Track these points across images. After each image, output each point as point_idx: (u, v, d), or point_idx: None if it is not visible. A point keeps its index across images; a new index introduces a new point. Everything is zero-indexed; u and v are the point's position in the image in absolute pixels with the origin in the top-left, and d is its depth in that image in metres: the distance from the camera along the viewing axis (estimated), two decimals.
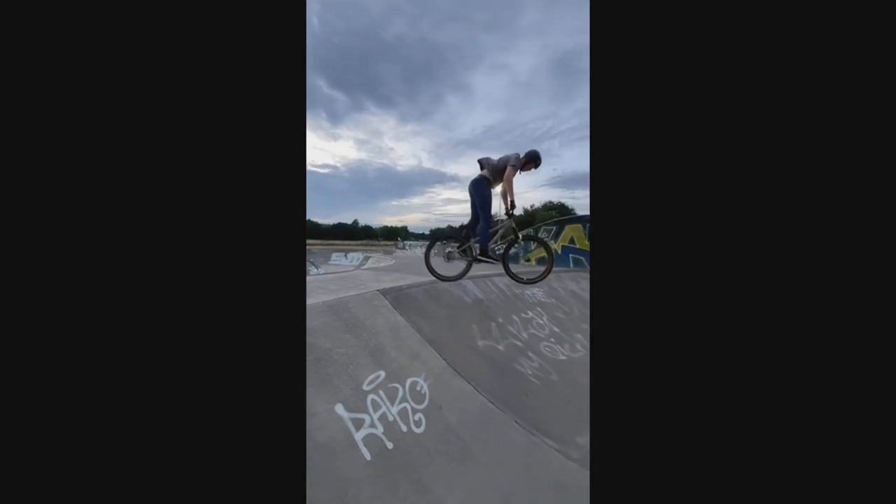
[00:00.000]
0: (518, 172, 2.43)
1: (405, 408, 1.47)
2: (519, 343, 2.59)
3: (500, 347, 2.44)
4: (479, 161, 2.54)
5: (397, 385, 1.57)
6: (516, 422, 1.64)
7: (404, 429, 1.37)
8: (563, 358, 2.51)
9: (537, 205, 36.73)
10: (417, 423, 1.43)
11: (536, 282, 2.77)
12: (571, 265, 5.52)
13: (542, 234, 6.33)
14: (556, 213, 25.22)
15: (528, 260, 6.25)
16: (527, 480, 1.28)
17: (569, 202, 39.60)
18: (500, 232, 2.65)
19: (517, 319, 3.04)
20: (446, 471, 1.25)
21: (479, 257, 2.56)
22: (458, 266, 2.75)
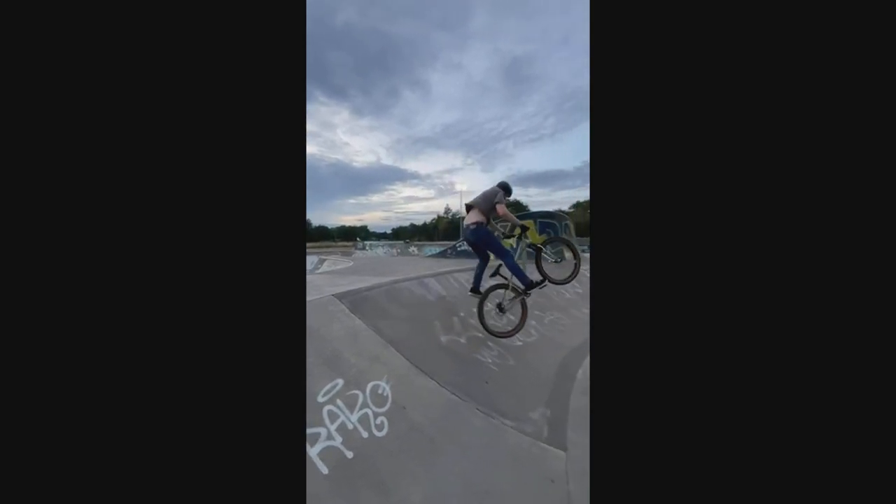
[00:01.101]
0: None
1: (366, 413, 1.43)
2: (479, 334, 2.72)
3: (463, 340, 2.53)
4: (468, 205, 2.52)
5: (357, 391, 1.51)
6: (478, 409, 1.73)
7: (365, 435, 1.33)
8: (520, 343, 2.72)
9: None
10: (380, 427, 1.40)
11: (570, 280, 2.55)
12: (526, 258, 5.96)
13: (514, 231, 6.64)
14: (512, 210, 26.89)
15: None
16: (486, 460, 1.37)
17: (523, 199, 42.68)
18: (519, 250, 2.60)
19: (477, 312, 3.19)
20: (411, 468, 1.26)
21: (529, 290, 2.46)
22: (514, 311, 2.56)
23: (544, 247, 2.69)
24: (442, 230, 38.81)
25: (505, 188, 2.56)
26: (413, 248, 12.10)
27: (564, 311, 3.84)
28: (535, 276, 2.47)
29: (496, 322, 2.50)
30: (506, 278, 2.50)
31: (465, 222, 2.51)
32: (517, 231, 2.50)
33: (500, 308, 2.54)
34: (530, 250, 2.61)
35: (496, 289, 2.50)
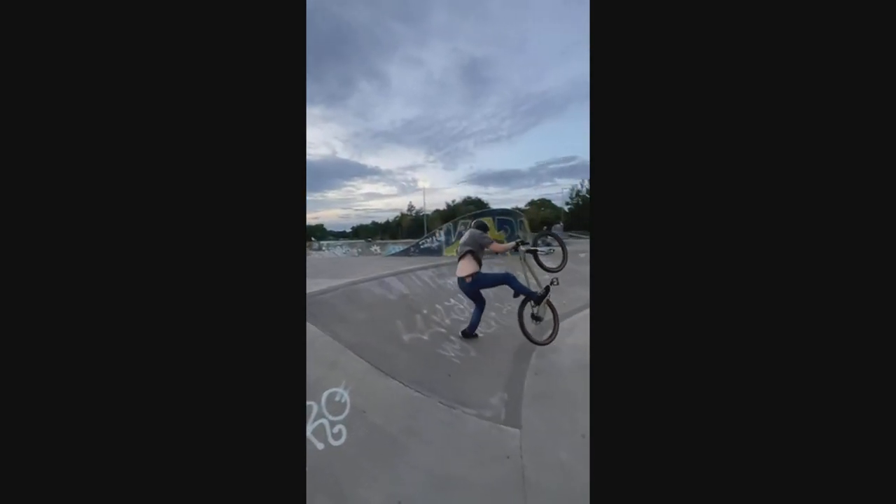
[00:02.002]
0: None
1: (321, 424, 1.36)
2: (443, 329, 2.77)
3: (425, 337, 2.55)
4: (461, 254, 2.48)
5: (311, 402, 1.42)
6: (440, 402, 1.77)
7: (320, 446, 1.26)
8: (481, 335, 2.86)
9: (458, 200, 39.50)
10: (337, 436, 1.34)
11: (559, 270, 2.81)
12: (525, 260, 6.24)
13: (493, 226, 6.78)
14: (474, 207, 27.81)
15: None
16: (448, 449, 1.42)
17: (484, 197, 44.28)
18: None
19: (441, 308, 3.24)
20: (371, 472, 1.24)
21: (542, 300, 2.58)
22: (545, 319, 2.67)
23: (537, 243, 3.09)
24: (406, 228, 38.10)
25: (482, 227, 2.75)
26: (375, 248, 11.66)
27: (519, 302, 4.14)
28: (537, 288, 2.63)
29: (536, 335, 2.56)
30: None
31: (460, 274, 2.48)
32: (514, 246, 2.69)
33: (535, 318, 2.63)
34: (528, 254, 2.78)
35: (525, 302, 2.59)
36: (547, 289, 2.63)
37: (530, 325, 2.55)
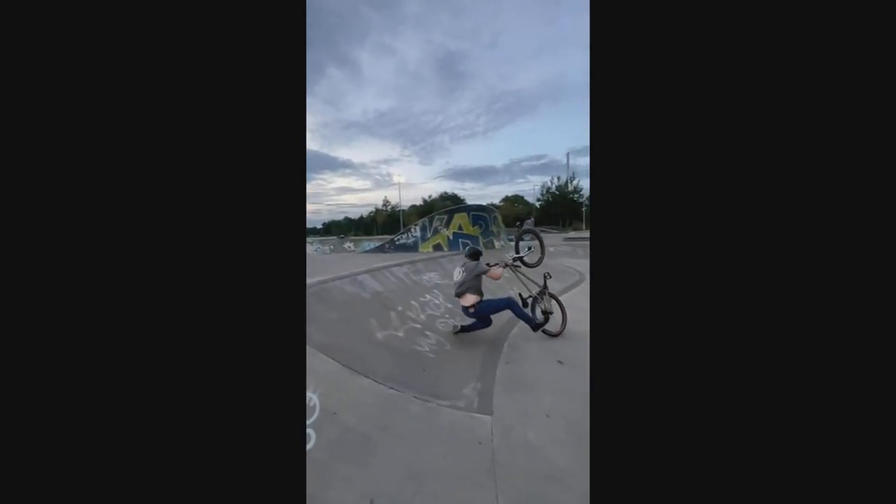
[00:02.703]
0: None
1: None
2: (418, 325, 2.78)
3: (400, 334, 2.54)
4: (458, 294, 2.56)
5: None
6: (415, 397, 1.79)
7: None
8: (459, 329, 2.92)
9: (434, 195, 39.28)
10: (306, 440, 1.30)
11: (537, 265, 3.12)
12: (461, 248, 6.34)
13: (438, 223, 6.81)
14: (451, 203, 27.90)
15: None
16: (423, 442, 1.45)
17: (460, 193, 44.56)
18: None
19: (416, 304, 3.23)
20: (343, 472, 1.22)
21: (543, 294, 2.87)
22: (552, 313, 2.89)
23: (518, 245, 3.42)
24: (381, 224, 37.01)
25: (476, 255, 2.80)
26: (349, 244, 11.20)
27: (493, 294, 4.29)
28: (539, 316, 2.77)
29: (549, 326, 2.81)
30: (532, 294, 2.92)
31: (465, 304, 2.56)
32: (506, 264, 2.93)
33: (544, 313, 2.88)
34: (517, 263, 3.06)
35: (534, 303, 2.87)
36: (545, 283, 2.97)
37: (540, 318, 2.82)
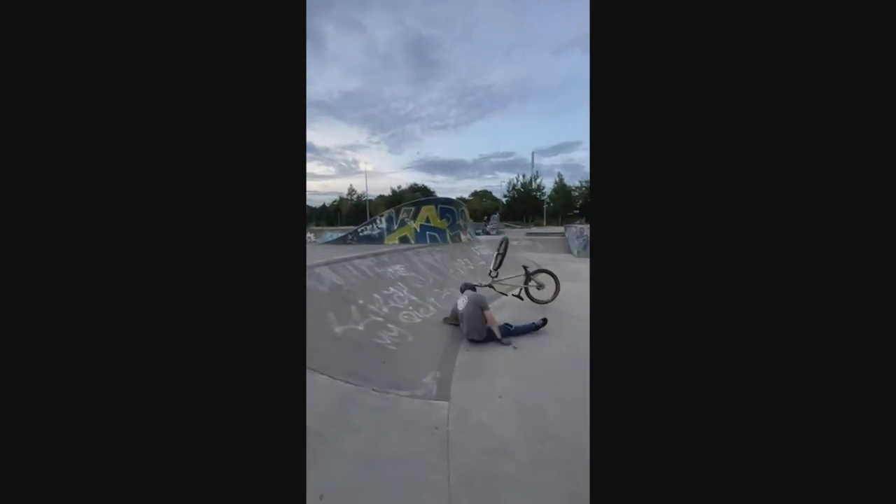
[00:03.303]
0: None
1: None
2: (379, 318, 2.73)
3: (361, 328, 2.47)
4: (470, 339, 2.52)
5: None
6: (373, 390, 1.78)
7: None
8: (419, 321, 2.94)
9: (404, 186, 38.14)
10: None
11: (551, 301, 3.54)
12: (428, 241, 6.33)
13: (408, 216, 6.68)
14: (421, 195, 27.51)
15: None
16: (379, 432, 1.46)
17: (431, 185, 43.94)
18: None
19: (378, 297, 3.16)
20: None
21: (529, 277, 3.51)
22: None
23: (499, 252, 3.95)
24: (345, 214, 34.80)
25: (471, 287, 2.86)
26: (310, 235, 10.37)
27: (458, 286, 4.41)
28: (535, 320, 2.83)
29: (540, 295, 3.55)
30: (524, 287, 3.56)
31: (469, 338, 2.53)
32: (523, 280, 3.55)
33: (538, 287, 3.57)
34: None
35: (529, 278, 3.57)
36: (526, 272, 3.64)
37: (536, 292, 3.55)
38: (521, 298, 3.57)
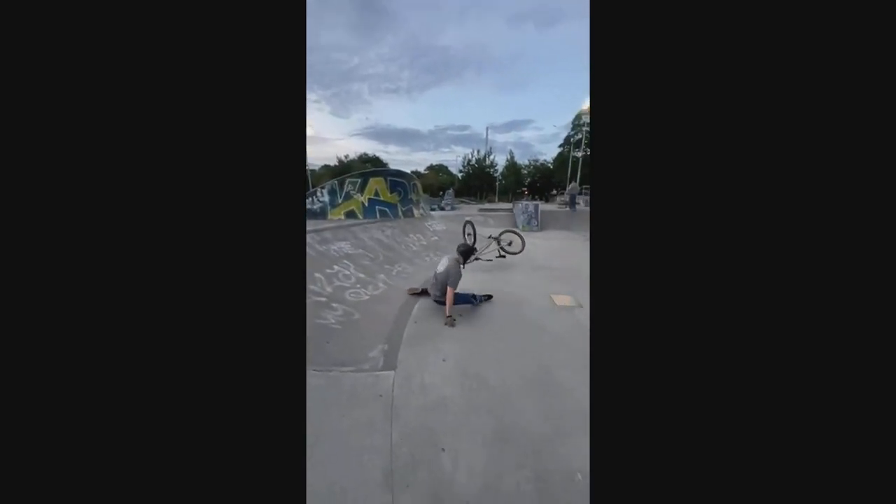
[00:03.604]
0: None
1: None
2: (322, 298, 2.57)
3: None
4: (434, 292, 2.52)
5: None
6: (314, 370, 1.72)
7: None
8: (367, 297, 2.87)
9: (353, 156, 34.30)
10: None
11: (521, 252, 4.34)
12: (378, 216, 6.01)
13: (354, 193, 6.14)
14: (371, 166, 25.30)
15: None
16: (320, 410, 1.45)
17: (384, 156, 40.45)
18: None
19: (321, 276, 2.95)
20: None
21: (498, 241, 4.35)
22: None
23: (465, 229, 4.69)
24: None
25: (465, 253, 2.66)
26: None
27: (410, 261, 4.39)
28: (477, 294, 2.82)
29: (512, 248, 4.36)
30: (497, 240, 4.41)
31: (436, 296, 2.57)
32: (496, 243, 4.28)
33: (508, 244, 4.42)
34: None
35: (500, 241, 4.41)
36: (497, 239, 4.41)
37: (505, 247, 4.37)
38: (503, 257, 4.29)
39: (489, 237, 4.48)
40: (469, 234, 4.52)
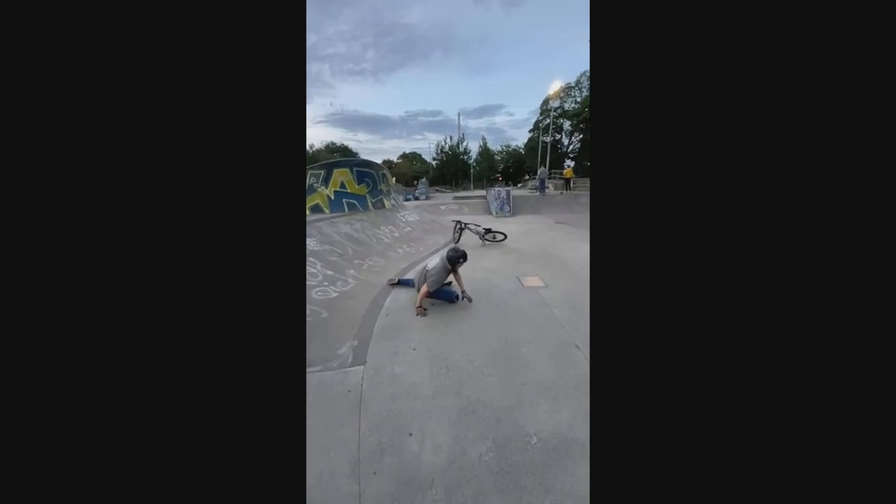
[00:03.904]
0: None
1: None
2: None
3: None
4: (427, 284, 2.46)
5: None
6: None
7: None
8: (335, 294, 2.79)
9: (319, 145, 31.92)
10: None
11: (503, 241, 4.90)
12: (346, 209, 5.75)
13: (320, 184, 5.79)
14: (339, 156, 23.84)
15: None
16: None
17: (353, 145, 38.09)
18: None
19: None
20: None
21: (483, 235, 5.04)
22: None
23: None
24: None
25: (452, 260, 2.56)
26: None
27: (382, 255, 4.31)
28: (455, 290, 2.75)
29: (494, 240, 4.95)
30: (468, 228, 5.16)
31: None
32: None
33: (493, 238, 5.00)
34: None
35: (465, 228, 5.18)
36: (486, 231, 5.01)
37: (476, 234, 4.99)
38: (483, 243, 4.86)
39: (477, 232, 5.00)
40: (459, 231, 5.05)
